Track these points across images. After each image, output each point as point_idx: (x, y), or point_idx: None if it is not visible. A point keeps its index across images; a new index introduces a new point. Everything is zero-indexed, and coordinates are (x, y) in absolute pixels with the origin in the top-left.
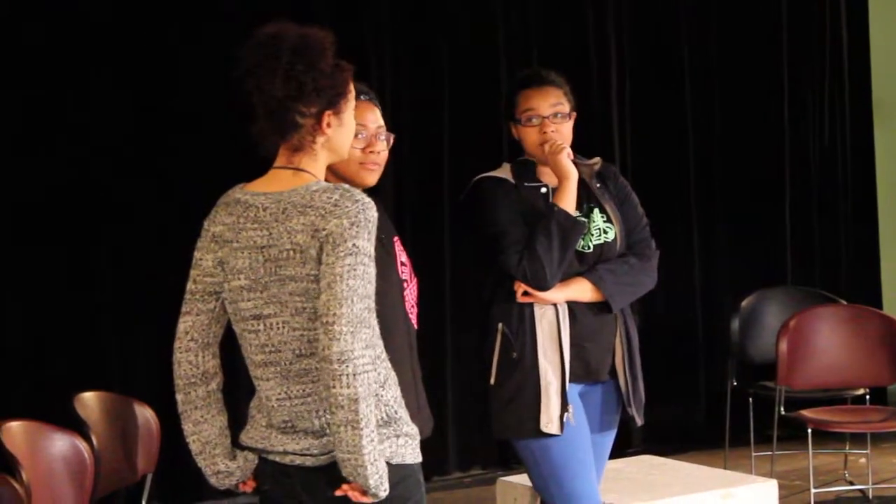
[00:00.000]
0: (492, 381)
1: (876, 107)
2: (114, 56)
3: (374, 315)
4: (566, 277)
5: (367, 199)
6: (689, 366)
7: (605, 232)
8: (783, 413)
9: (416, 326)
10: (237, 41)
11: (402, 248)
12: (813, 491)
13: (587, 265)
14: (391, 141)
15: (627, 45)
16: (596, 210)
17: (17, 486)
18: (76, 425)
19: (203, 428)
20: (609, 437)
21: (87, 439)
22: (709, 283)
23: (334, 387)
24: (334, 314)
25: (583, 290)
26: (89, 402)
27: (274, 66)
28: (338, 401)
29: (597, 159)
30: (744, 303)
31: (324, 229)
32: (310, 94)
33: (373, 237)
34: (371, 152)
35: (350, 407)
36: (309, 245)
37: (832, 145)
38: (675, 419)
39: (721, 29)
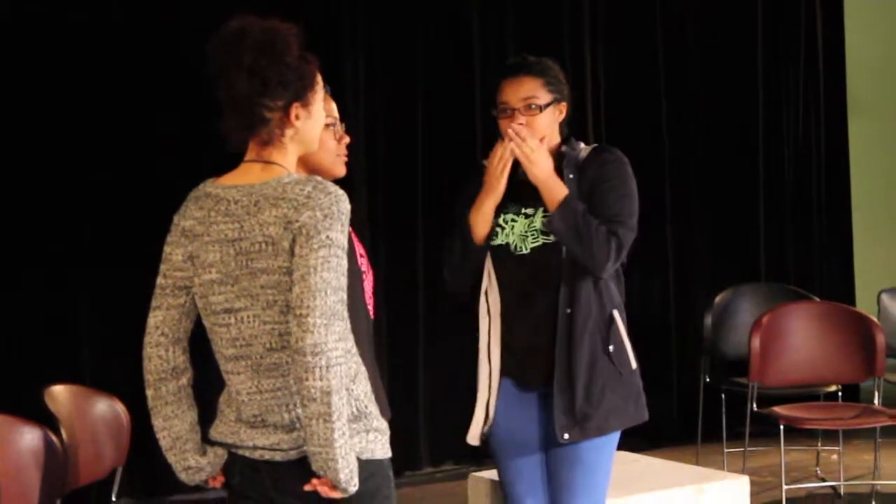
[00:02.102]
0: None
1: (851, 103)
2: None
3: (346, 308)
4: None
5: (340, 192)
6: (662, 362)
7: (547, 235)
8: (755, 409)
9: (373, 317)
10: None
11: (357, 239)
12: (785, 487)
13: (526, 267)
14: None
15: (602, 41)
16: (541, 210)
17: None
18: (46, 419)
19: (173, 423)
20: (562, 450)
21: (57, 433)
22: (682, 279)
23: (307, 379)
24: (308, 306)
25: (552, 190)
26: (59, 395)
27: (238, 62)
28: (310, 393)
29: (587, 147)
30: (717, 299)
31: (297, 221)
32: (275, 87)
33: (346, 229)
34: (344, 143)
35: (322, 400)
36: (281, 237)
37: (806, 141)
38: (649, 415)
39: (696, 25)
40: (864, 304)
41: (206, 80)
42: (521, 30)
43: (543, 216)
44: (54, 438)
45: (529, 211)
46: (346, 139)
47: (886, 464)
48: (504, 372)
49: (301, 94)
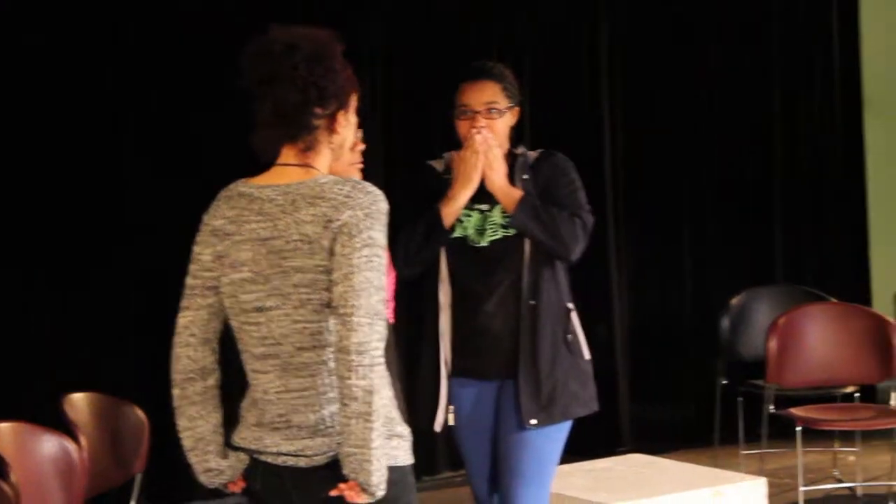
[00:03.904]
0: None
1: (867, 104)
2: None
3: (386, 308)
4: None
5: (379, 191)
6: (680, 364)
7: (506, 228)
8: (773, 411)
9: (392, 321)
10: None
11: None
12: (802, 489)
13: (484, 259)
14: None
15: (618, 39)
16: (498, 206)
17: (5, 487)
18: (65, 426)
19: (198, 424)
20: (517, 436)
21: (76, 440)
22: (699, 281)
23: (349, 378)
24: (353, 305)
25: (508, 195)
26: (78, 403)
27: (292, 74)
28: (352, 392)
29: (535, 151)
30: (733, 301)
31: (338, 220)
32: (330, 97)
33: (385, 229)
34: (359, 150)
35: (364, 399)
36: (320, 236)
37: (822, 143)
38: (666, 418)
39: (712, 25)
40: (881, 305)
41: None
42: (539, 33)
43: (504, 214)
44: (73, 446)
45: (483, 207)
46: (361, 146)
47: None
48: (459, 362)
49: (345, 102)
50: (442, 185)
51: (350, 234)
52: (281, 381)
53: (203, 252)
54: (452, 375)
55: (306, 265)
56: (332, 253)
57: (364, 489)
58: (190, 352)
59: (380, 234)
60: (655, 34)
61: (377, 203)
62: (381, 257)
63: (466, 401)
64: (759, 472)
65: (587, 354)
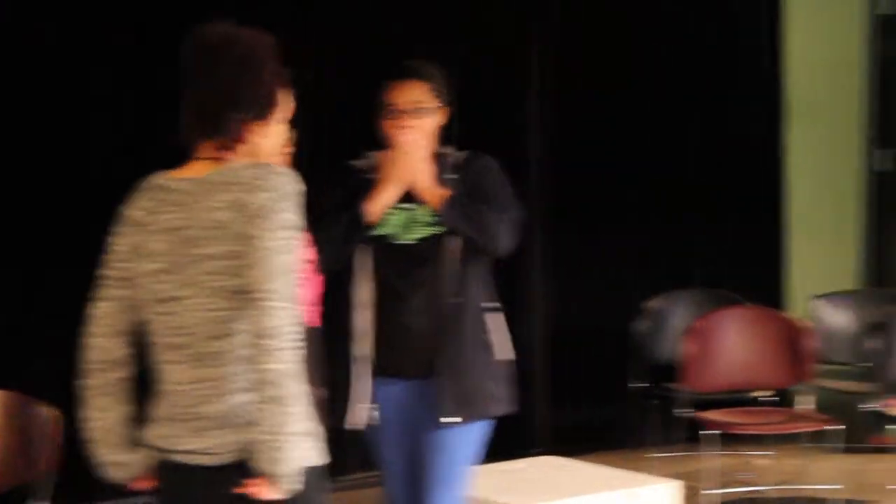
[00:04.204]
0: None
1: (792, 107)
2: None
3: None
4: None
5: (292, 172)
6: (597, 367)
7: (433, 226)
8: (687, 414)
9: (318, 323)
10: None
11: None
12: (715, 492)
13: (409, 257)
14: None
15: (548, 40)
16: (425, 206)
17: None
18: None
19: (106, 415)
20: (434, 436)
21: None
22: (616, 285)
23: (265, 362)
24: (267, 289)
25: (435, 195)
26: None
27: (216, 73)
28: (267, 376)
29: (462, 153)
30: (650, 304)
31: (252, 203)
32: (247, 103)
33: (299, 210)
34: (288, 152)
35: (280, 382)
36: (233, 221)
37: (741, 147)
38: (581, 420)
39: (640, 28)
40: (799, 308)
41: None
42: (466, 34)
43: (431, 212)
44: None
45: (407, 205)
46: (289, 149)
47: (814, 468)
48: (380, 360)
49: (263, 113)
50: (363, 185)
51: (264, 217)
52: (192, 371)
53: (119, 243)
54: (374, 374)
55: (218, 251)
56: (245, 237)
57: (274, 481)
58: (103, 342)
59: (294, 216)
60: (583, 36)
61: (290, 184)
62: (297, 239)
63: (386, 400)
64: (672, 476)
65: (509, 354)
